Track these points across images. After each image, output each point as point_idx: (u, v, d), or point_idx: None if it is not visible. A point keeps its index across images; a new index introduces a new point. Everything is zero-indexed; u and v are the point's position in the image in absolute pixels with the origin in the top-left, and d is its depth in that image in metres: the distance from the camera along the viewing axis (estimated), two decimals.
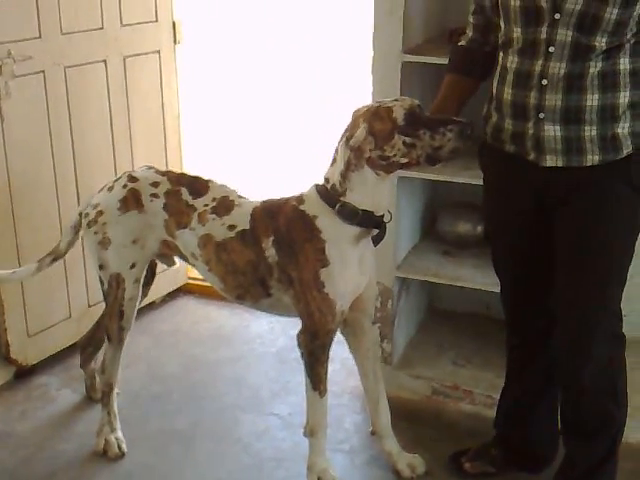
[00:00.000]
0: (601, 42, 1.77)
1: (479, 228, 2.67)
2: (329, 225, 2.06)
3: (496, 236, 2.17)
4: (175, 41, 3.22)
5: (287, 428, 2.56)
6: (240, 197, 2.25)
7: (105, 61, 2.92)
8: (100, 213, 2.29)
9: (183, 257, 2.33)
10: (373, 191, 2.03)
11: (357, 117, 2.02)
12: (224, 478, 2.34)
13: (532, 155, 1.90)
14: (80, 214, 2.36)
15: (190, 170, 3.36)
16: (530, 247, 2.08)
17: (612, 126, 1.84)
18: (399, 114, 1.97)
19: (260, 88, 6.18)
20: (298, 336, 2.19)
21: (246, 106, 5.98)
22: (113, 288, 2.33)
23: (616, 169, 1.88)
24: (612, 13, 1.74)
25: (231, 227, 2.18)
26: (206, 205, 2.22)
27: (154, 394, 2.75)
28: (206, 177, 2.31)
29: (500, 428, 2.34)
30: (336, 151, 2.06)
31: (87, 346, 2.63)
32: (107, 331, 2.39)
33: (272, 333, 3.18)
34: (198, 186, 2.27)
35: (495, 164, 2.05)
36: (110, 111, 2.98)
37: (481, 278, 2.54)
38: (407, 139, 1.96)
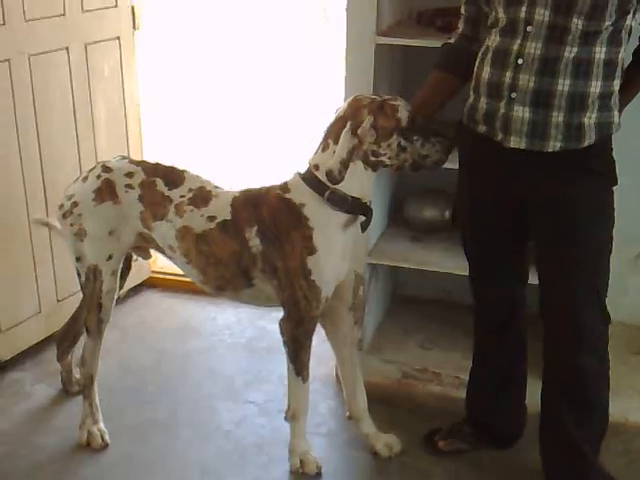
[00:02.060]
0: (577, 24, 1.81)
1: (446, 213, 2.76)
2: (317, 212, 2.11)
3: (467, 218, 2.23)
4: (134, 27, 3.22)
5: (265, 415, 2.62)
6: (216, 187, 2.27)
7: (67, 48, 2.91)
8: (75, 204, 2.29)
9: (160, 250, 2.34)
10: (361, 180, 2.10)
11: (360, 107, 2.06)
12: (208, 464, 2.39)
13: (500, 136, 1.96)
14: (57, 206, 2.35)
15: (150, 158, 3.38)
16: (500, 231, 2.15)
17: (579, 114, 1.89)
18: (404, 115, 2.05)
19: (221, 74, 6.16)
20: (281, 324, 2.24)
21: (206, 93, 5.96)
22: (90, 280, 2.33)
23: (576, 158, 1.94)
24: None
25: (211, 218, 2.20)
26: (182, 196, 2.23)
27: (129, 387, 2.77)
28: (181, 167, 2.32)
29: (470, 408, 2.44)
30: (326, 137, 2.10)
31: (63, 340, 2.63)
32: (86, 324, 2.40)
33: (240, 324, 3.23)
34: (174, 177, 2.27)
35: (468, 145, 2.11)
36: (73, 99, 2.97)
37: (449, 262, 2.64)
38: (403, 142, 2.06)
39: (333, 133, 2.08)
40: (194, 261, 2.25)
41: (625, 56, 1.95)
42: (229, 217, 2.19)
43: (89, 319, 2.38)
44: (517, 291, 2.31)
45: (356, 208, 2.12)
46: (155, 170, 2.30)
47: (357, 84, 2.46)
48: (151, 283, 3.51)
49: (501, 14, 1.92)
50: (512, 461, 2.38)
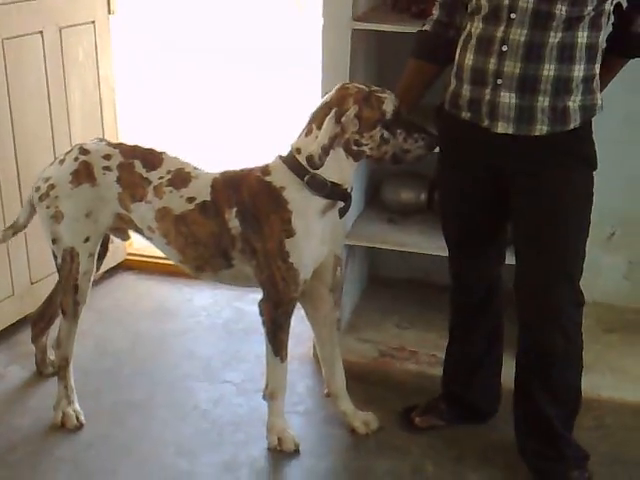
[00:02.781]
0: (561, 10, 1.84)
1: (422, 196, 2.79)
2: (296, 196, 2.11)
3: (446, 201, 2.26)
4: (109, 11, 3.18)
5: (242, 394, 2.62)
6: (196, 169, 2.26)
7: (42, 32, 2.87)
8: (52, 187, 2.27)
9: (138, 230, 2.33)
10: (342, 167, 2.10)
11: (346, 95, 2.06)
12: (184, 444, 2.38)
13: (486, 122, 1.98)
14: (33, 188, 2.33)
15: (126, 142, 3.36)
16: (478, 215, 2.17)
17: (564, 98, 1.92)
18: (389, 108, 2.05)
19: (196, 58, 6.13)
20: (260, 305, 2.24)
21: (182, 77, 5.93)
22: (67, 262, 2.31)
23: (562, 141, 1.97)
24: None
25: (190, 199, 2.19)
26: (161, 178, 2.23)
27: (105, 369, 2.75)
28: (159, 149, 2.31)
29: (446, 385, 2.46)
30: (310, 122, 2.10)
31: (39, 321, 2.61)
32: (62, 306, 2.38)
33: (216, 305, 3.22)
34: (152, 158, 2.27)
35: (451, 131, 2.12)
36: (47, 83, 2.93)
37: (426, 244, 2.66)
38: (386, 134, 2.06)
39: (317, 119, 2.08)
40: (173, 242, 2.25)
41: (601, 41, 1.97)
42: (209, 198, 2.19)
43: (65, 301, 2.36)
44: (495, 271, 2.33)
45: (335, 194, 2.12)
46: (133, 152, 2.29)
47: (334, 68, 2.47)
48: (127, 265, 3.48)
49: (483, 1, 1.92)
50: (487, 436, 2.41)
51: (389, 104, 2.05)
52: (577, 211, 2.04)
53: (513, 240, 2.16)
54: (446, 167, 2.21)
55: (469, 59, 1.98)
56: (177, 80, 5.87)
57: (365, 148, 2.07)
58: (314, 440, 2.41)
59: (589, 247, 3.02)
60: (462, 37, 2.02)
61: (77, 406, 2.44)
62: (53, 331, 2.55)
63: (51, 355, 2.64)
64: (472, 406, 2.44)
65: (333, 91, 2.10)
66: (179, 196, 2.20)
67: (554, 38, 1.88)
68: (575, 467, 2.19)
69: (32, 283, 2.97)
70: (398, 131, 2.06)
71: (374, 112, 2.04)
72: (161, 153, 2.29)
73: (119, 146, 2.33)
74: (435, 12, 2.14)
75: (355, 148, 2.07)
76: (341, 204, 2.17)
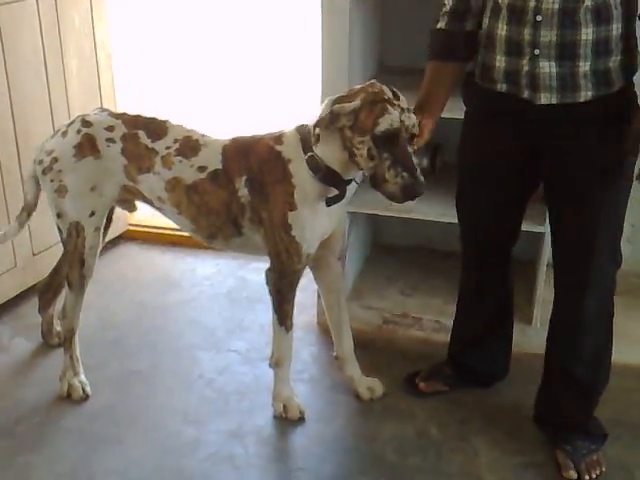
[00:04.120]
0: None
1: (425, 161, 2.76)
2: (300, 171, 2.07)
3: (470, 175, 2.18)
4: None
5: (247, 363, 2.63)
6: (204, 136, 2.23)
7: None
8: (55, 160, 2.24)
9: (147, 201, 2.31)
10: (337, 157, 2.03)
11: (362, 91, 1.97)
12: (190, 412, 2.39)
13: (526, 93, 1.91)
14: (35, 161, 2.30)
15: (123, 108, 3.33)
16: (504, 191, 2.12)
17: (605, 60, 1.87)
18: (384, 124, 1.91)
19: (194, 24, 6.05)
20: (266, 273, 2.24)
21: (180, 43, 5.86)
22: (73, 237, 2.29)
23: (608, 105, 1.90)
24: None
25: (201, 168, 2.17)
26: (168, 147, 2.20)
27: (109, 340, 2.76)
28: (162, 118, 2.27)
29: (454, 353, 2.46)
30: (334, 102, 2.00)
31: (46, 292, 2.61)
32: (68, 279, 2.37)
33: (220, 275, 3.22)
34: (156, 128, 2.23)
35: (482, 103, 2.05)
36: (43, 49, 2.90)
37: (429, 210, 2.64)
38: (373, 150, 1.93)
39: (338, 101, 1.99)
40: (185, 211, 2.23)
41: None
42: (220, 166, 2.16)
43: (71, 275, 2.35)
44: (509, 245, 2.31)
45: (329, 179, 2.05)
46: (136, 122, 2.25)
47: (334, 26, 2.41)
48: (129, 236, 3.48)
49: None
50: (492, 401, 2.42)
51: (386, 121, 1.91)
52: (618, 179, 1.97)
53: (549, 204, 2.11)
54: (472, 140, 2.13)
55: (501, 29, 1.90)
56: (174, 46, 5.80)
57: (355, 151, 1.97)
58: (319, 407, 2.42)
59: None
60: (488, 6, 1.93)
61: (83, 377, 2.44)
62: (59, 302, 2.55)
63: (57, 326, 2.65)
64: (479, 373, 2.44)
65: (366, 83, 2.01)
66: (189, 165, 2.18)
67: (588, 1, 1.81)
68: (593, 442, 2.18)
69: (34, 255, 2.96)
70: (385, 155, 1.93)
71: (368, 119, 1.92)
72: (165, 122, 2.26)
73: (121, 116, 2.29)
74: (448, 3, 2.02)
75: (348, 145, 1.98)
76: (335, 191, 2.08)
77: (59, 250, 2.53)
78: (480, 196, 2.18)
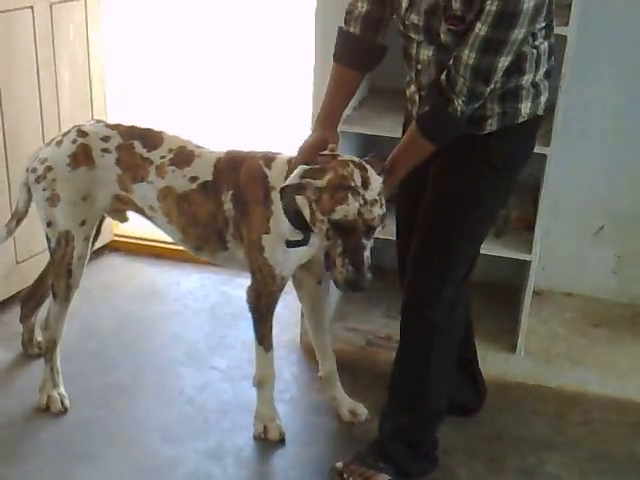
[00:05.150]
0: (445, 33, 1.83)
1: None
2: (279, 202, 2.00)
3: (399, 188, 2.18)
4: None
5: (228, 380, 2.61)
6: (198, 147, 2.24)
7: (32, 7, 2.81)
8: (49, 169, 2.23)
9: (139, 210, 2.31)
10: (306, 212, 1.95)
11: (332, 167, 1.88)
12: (170, 429, 2.37)
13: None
14: (28, 170, 2.28)
15: (115, 120, 3.31)
16: (413, 202, 2.14)
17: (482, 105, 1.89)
18: (340, 213, 1.84)
19: (188, 37, 6.03)
20: (247, 291, 2.23)
21: (172, 59, 5.85)
22: (62, 246, 2.28)
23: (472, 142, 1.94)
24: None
25: (193, 179, 2.18)
26: (163, 157, 2.20)
27: (91, 351, 2.73)
28: (157, 129, 2.28)
29: None
30: (326, 157, 1.96)
31: (29, 300, 2.58)
32: (53, 289, 2.35)
33: (204, 289, 3.20)
34: (151, 138, 2.24)
35: None
36: (37, 60, 2.88)
37: None
38: (330, 231, 1.88)
39: (309, 173, 1.91)
40: (175, 221, 2.24)
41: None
42: (210, 178, 2.17)
43: (57, 285, 2.33)
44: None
45: (296, 222, 1.98)
46: (132, 133, 2.26)
47: (326, 48, 2.41)
48: (113, 247, 3.45)
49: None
50: (474, 430, 2.41)
51: (343, 211, 1.84)
52: (459, 207, 2.01)
53: None
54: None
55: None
56: (168, 60, 5.79)
57: (316, 224, 1.91)
58: (299, 428, 2.41)
59: (578, 240, 3.05)
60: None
61: (62, 389, 2.41)
62: (42, 312, 2.53)
63: (38, 336, 2.61)
64: (452, 402, 2.41)
65: (348, 157, 1.95)
66: (182, 175, 2.18)
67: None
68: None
69: (18, 262, 2.93)
70: (338, 241, 1.88)
71: (328, 203, 1.85)
72: (160, 132, 2.26)
73: (117, 127, 2.29)
74: (361, 4, 1.98)
75: (311, 217, 1.93)
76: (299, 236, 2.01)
77: (44, 258, 2.51)
78: (397, 209, 2.28)
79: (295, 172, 1.94)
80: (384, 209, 1.90)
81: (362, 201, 1.85)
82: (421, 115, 1.91)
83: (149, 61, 5.54)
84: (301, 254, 2.15)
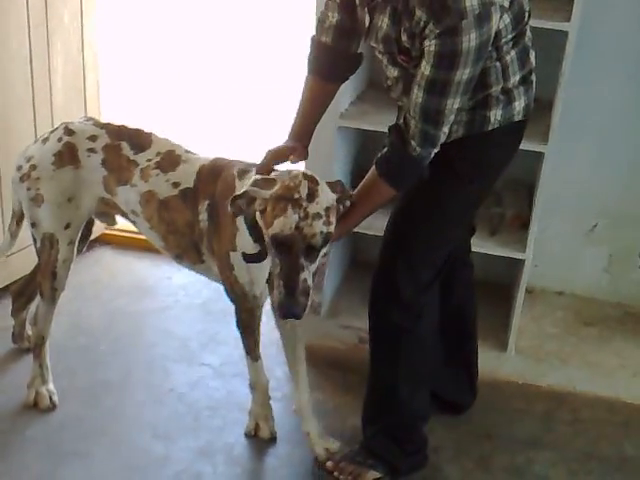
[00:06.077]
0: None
1: None
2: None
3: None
4: None
5: (219, 378, 2.60)
6: (187, 152, 2.17)
7: None
8: (33, 167, 2.19)
9: (123, 214, 2.26)
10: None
11: (281, 178, 1.79)
12: (160, 427, 2.36)
13: None
14: (15, 167, 2.25)
15: (106, 110, 3.29)
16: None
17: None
18: (276, 227, 1.72)
19: (184, 27, 6.00)
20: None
21: (167, 48, 5.81)
22: (46, 248, 2.25)
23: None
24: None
25: (175, 184, 2.11)
26: (149, 160, 2.14)
27: (80, 346, 2.72)
28: (147, 130, 2.23)
29: None
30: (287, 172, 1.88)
31: (20, 295, 2.56)
32: (40, 289, 2.33)
33: (196, 285, 3.17)
34: (140, 140, 2.18)
35: None
36: (30, 47, 2.85)
37: None
38: (273, 250, 1.76)
39: (260, 183, 1.81)
40: (156, 227, 2.18)
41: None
42: (191, 185, 2.09)
43: (43, 286, 2.31)
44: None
45: (253, 232, 1.88)
46: (120, 133, 2.20)
47: None
48: (104, 240, 3.43)
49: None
50: (463, 428, 2.41)
51: (279, 224, 1.71)
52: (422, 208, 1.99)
53: None
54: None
55: None
56: (163, 48, 5.75)
57: (265, 237, 1.80)
58: (290, 427, 2.39)
59: (571, 239, 3.05)
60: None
61: (51, 386, 2.40)
62: (33, 305, 2.51)
63: (29, 330, 2.60)
64: (444, 399, 2.42)
65: (301, 171, 1.85)
66: (165, 180, 2.12)
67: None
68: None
69: (7, 256, 2.89)
70: (277, 260, 1.75)
71: (269, 215, 1.74)
72: (150, 134, 2.21)
73: (106, 126, 2.23)
74: (332, 15, 1.92)
75: (261, 227, 1.83)
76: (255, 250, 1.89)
77: (33, 252, 2.48)
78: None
79: (248, 182, 1.85)
80: (330, 228, 1.75)
81: (302, 214, 1.70)
82: (380, 156, 1.86)
83: (143, 50, 5.50)
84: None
